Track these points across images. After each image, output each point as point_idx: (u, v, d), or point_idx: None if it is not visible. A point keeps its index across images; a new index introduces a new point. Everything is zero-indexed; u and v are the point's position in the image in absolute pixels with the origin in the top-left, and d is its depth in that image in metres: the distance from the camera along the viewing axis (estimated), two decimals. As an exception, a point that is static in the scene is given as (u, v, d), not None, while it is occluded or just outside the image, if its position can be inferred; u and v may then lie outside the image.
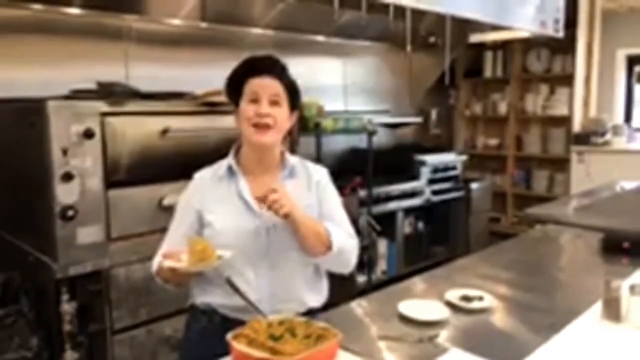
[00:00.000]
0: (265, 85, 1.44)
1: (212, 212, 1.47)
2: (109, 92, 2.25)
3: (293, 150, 1.63)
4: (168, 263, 1.33)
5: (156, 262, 1.48)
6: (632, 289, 1.40)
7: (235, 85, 1.49)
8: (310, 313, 1.47)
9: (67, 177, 2.02)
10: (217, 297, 1.47)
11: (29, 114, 2.15)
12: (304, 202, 1.50)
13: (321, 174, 1.61)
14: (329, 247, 1.45)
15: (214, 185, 1.51)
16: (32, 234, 2.25)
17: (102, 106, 2.16)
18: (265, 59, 1.50)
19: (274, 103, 1.45)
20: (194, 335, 1.53)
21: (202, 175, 1.55)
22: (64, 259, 2.05)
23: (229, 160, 1.52)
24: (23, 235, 2.31)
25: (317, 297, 1.55)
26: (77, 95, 2.24)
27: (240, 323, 1.29)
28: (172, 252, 1.38)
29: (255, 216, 1.46)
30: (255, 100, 1.44)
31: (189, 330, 1.57)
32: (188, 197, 1.54)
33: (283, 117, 1.47)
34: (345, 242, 1.50)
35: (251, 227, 1.45)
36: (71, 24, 2.74)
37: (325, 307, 1.58)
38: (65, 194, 2.03)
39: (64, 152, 2.02)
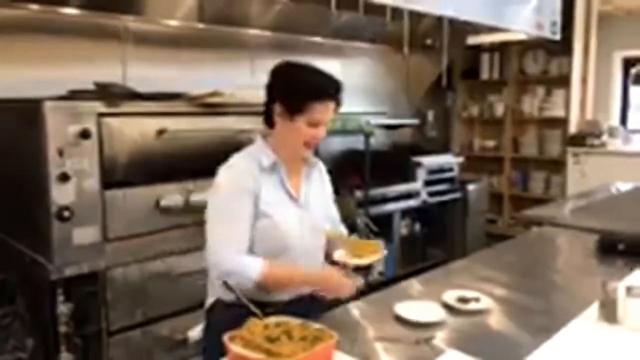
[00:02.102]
0: (327, 112, 1.49)
1: (266, 203, 1.48)
2: (106, 92, 2.24)
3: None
4: (343, 258, 1.52)
5: (257, 266, 1.43)
6: (629, 290, 1.40)
7: (298, 101, 1.46)
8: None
9: (64, 177, 2.02)
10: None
11: (25, 114, 2.14)
12: (321, 199, 1.64)
13: (324, 167, 1.72)
14: None
15: (261, 175, 1.50)
16: (28, 234, 2.24)
17: (99, 107, 2.15)
18: (336, 84, 1.51)
19: (326, 124, 1.52)
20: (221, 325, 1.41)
21: (245, 164, 1.51)
22: (59, 260, 2.04)
23: (268, 154, 1.52)
24: (19, 236, 2.30)
25: None
26: (74, 95, 2.23)
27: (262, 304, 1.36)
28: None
29: (297, 205, 1.54)
30: (314, 125, 1.48)
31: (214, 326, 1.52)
32: (241, 183, 1.48)
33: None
34: None
35: (296, 215, 1.53)
36: (68, 24, 2.73)
37: (322, 308, 1.58)
38: (61, 194, 2.03)
39: (60, 152, 2.01)
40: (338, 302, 1.59)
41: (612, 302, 1.43)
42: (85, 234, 2.10)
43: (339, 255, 1.57)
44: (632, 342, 1.35)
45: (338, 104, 1.52)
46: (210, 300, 1.58)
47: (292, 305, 1.47)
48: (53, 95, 2.15)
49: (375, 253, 1.57)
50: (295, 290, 1.53)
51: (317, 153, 1.69)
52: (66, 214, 2.03)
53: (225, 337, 1.17)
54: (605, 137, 4.82)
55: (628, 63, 5.05)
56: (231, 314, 1.38)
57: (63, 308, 2.09)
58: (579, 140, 4.83)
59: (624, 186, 3.64)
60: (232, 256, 1.44)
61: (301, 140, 1.49)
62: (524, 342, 1.35)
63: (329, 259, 1.65)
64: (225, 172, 1.50)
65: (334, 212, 1.73)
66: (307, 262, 1.55)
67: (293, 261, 1.51)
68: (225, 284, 1.43)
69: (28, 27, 2.59)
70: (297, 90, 1.47)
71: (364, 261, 1.55)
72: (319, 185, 1.66)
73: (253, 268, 1.43)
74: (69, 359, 2.10)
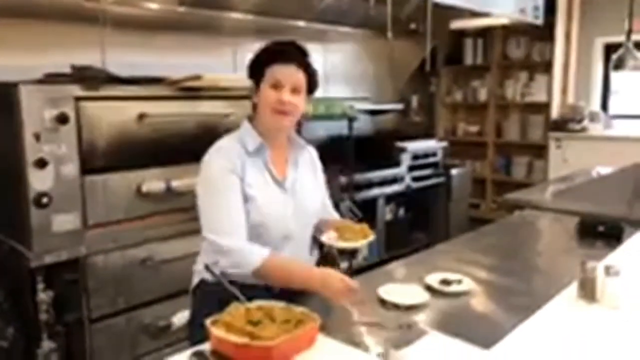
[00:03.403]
0: (288, 74, 1.47)
1: (250, 186, 1.47)
2: (83, 76, 2.19)
3: (299, 130, 1.69)
4: (331, 241, 1.53)
5: (261, 253, 1.41)
6: (607, 270, 1.42)
7: (258, 68, 1.49)
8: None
9: (41, 163, 1.97)
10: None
11: (0, 99, 2.09)
12: (312, 185, 1.62)
13: (315, 153, 1.71)
14: None
15: (246, 158, 1.49)
16: (6, 222, 2.20)
17: (77, 90, 2.11)
18: (291, 45, 1.51)
19: (295, 91, 1.48)
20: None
21: (231, 146, 1.50)
22: (39, 248, 2.01)
23: (254, 137, 1.51)
24: (-4, 224, 2.25)
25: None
26: (50, 79, 2.18)
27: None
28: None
29: (282, 190, 1.53)
30: (277, 87, 1.46)
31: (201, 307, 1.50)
32: (229, 165, 1.46)
33: (301, 105, 1.51)
34: None
35: (280, 198, 1.52)
36: (45, 7, 2.65)
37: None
38: (39, 180, 1.99)
39: (37, 137, 1.97)
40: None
41: (591, 281, 1.45)
42: (64, 221, 2.07)
43: (327, 237, 1.56)
44: (610, 320, 1.37)
45: (302, 65, 1.49)
46: (195, 281, 1.57)
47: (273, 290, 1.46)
48: (29, 79, 2.10)
49: (364, 238, 1.57)
50: (294, 286, 1.45)
51: (301, 137, 1.68)
52: (45, 200, 1.99)
53: (207, 322, 1.16)
54: (586, 122, 4.86)
55: (609, 49, 5.08)
56: (216, 295, 1.37)
57: (43, 296, 2.06)
58: (560, 125, 4.88)
59: (604, 170, 3.69)
60: (233, 235, 1.42)
61: (268, 108, 1.47)
62: (506, 323, 1.36)
63: (317, 239, 1.66)
64: (213, 154, 1.50)
65: (326, 198, 1.73)
66: (292, 249, 1.54)
67: (275, 246, 1.48)
68: (208, 268, 1.41)
69: (4, 10, 2.51)
70: (257, 58, 1.51)
71: (350, 245, 1.55)
72: (309, 171, 1.65)
73: (257, 254, 1.41)
74: (50, 347, 2.08)
